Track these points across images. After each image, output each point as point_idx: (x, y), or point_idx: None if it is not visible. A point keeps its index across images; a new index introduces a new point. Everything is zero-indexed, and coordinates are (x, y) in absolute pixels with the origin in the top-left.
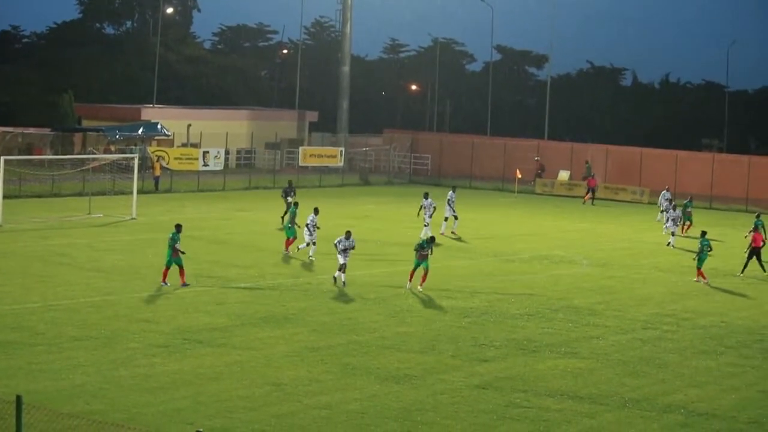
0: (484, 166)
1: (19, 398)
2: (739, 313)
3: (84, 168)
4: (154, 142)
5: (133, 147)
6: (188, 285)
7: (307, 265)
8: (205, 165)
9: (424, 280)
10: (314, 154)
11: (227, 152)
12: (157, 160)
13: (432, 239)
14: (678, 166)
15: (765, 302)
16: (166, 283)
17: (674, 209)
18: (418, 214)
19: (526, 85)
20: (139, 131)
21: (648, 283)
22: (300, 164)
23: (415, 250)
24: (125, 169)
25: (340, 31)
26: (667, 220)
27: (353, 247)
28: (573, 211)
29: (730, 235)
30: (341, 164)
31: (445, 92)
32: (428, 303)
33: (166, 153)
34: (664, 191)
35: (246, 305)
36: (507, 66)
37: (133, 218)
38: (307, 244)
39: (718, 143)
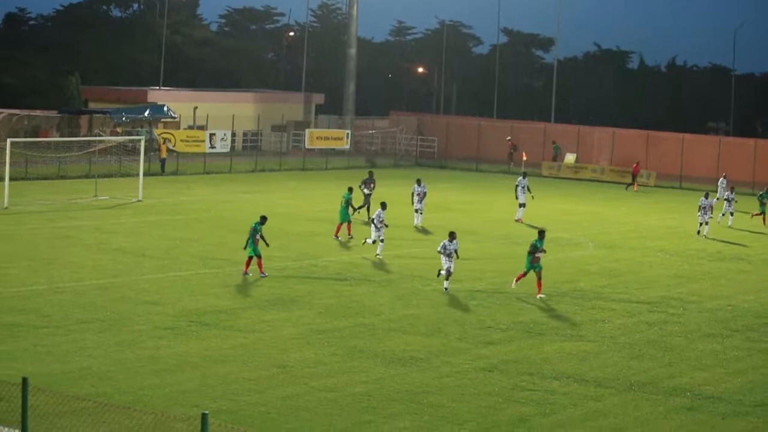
0: (490, 149)
1: (24, 380)
2: (746, 297)
3: (90, 150)
4: (160, 125)
5: (140, 129)
6: (266, 275)
7: (314, 248)
8: (212, 147)
9: (539, 285)
10: (321, 137)
11: (233, 134)
12: (164, 143)
13: (542, 234)
14: (684, 149)
15: None
16: (248, 273)
17: (706, 197)
18: (412, 201)
19: (533, 68)
20: (146, 113)
21: (654, 266)
22: (306, 147)
23: (528, 252)
24: (131, 151)
25: (347, 14)
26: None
27: (455, 250)
28: (579, 194)
29: (737, 219)
30: (347, 147)
31: (452, 75)
32: (434, 286)
33: (173, 135)
34: (721, 178)
35: (252, 288)
36: (514, 49)
37: (139, 200)
38: (374, 241)
39: (725, 126)
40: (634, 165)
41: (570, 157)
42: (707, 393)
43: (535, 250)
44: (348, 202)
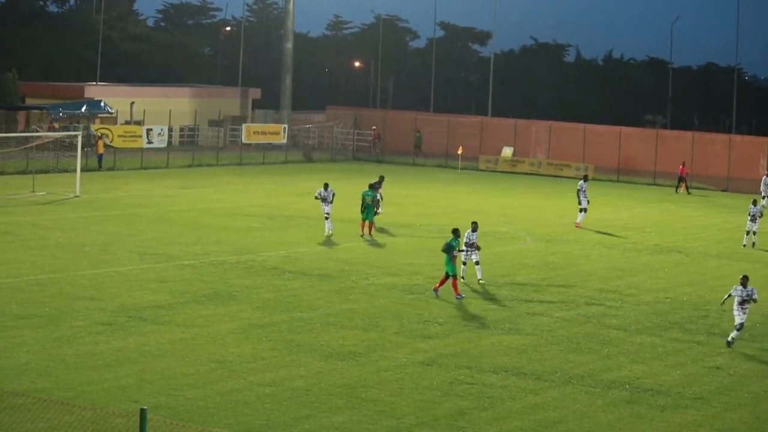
0: (427, 143)
1: None
2: (684, 289)
3: (28, 146)
4: (97, 120)
5: (77, 125)
6: (462, 297)
7: (251, 242)
8: (149, 142)
9: None
10: (258, 132)
11: (170, 130)
12: (101, 138)
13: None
14: (621, 142)
15: (709, 278)
16: (437, 293)
17: (754, 204)
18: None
19: (470, 62)
20: (83, 109)
21: (592, 259)
22: (243, 141)
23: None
24: (69, 146)
25: (283, 8)
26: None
27: (753, 298)
28: (516, 188)
29: (674, 212)
30: (284, 141)
31: (389, 69)
32: (372, 280)
33: (110, 131)
34: (765, 177)
35: (189, 283)
36: (450, 42)
37: (76, 196)
38: (465, 262)
39: (662, 119)
40: (681, 166)
41: (507, 151)
42: (646, 386)
43: None
44: (374, 200)
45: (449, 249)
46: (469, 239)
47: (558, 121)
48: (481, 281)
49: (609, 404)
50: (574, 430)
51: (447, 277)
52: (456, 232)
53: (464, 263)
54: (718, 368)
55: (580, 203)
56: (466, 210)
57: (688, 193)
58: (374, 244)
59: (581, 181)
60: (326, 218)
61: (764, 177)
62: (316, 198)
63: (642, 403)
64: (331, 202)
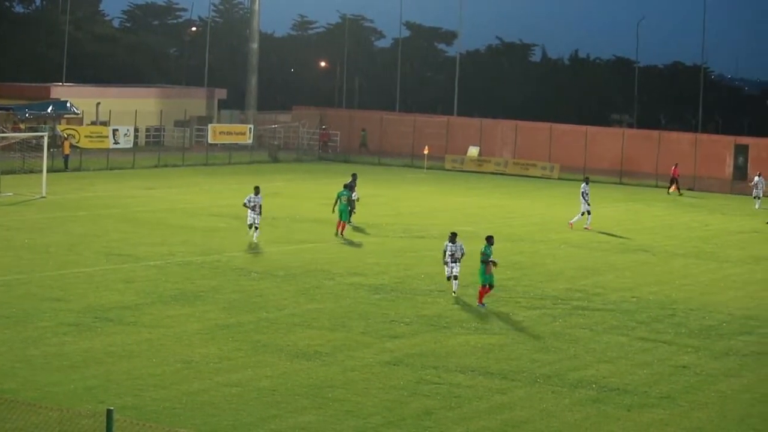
0: (393, 143)
1: None
2: (650, 288)
3: None
4: (63, 121)
5: (43, 125)
6: (484, 306)
7: (217, 242)
8: (115, 143)
9: None
10: (223, 132)
11: (136, 130)
12: (67, 139)
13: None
14: (588, 141)
15: (676, 277)
16: (483, 305)
17: None
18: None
19: (436, 62)
20: (49, 110)
21: (558, 258)
22: (209, 142)
23: None
24: (35, 147)
25: (249, 9)
26: None
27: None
28: (482, 187)
29: (641, 211)
30: (250, 141)
31: (354, 69)
32: (338, 280)
33: (76, 131)
34: (757, 177)
35: (156, 283)
36: (416, 42)
37: (42, 197)
38: (449, 278)
39: (628, 118)
40: (673, 167)
41: (473, 151)
42: (613, 385)
43: None
44: (349, 199)
45: (486, 258)
46: (449, 251)
47: (524, 121)
48: (454, 293)
49: (576, 403)
50: (541, 430)
51: (483, 286)
52: (489, 240)
53: (449, 278)
54: (684, 367)
55: (587, 206)
56: (433, 209)
57: (675, 194)
58: (341, 243)
59: (583, 184)
60: (251, 227)
61: (755, 177)
62: (244, 205)
63: (609, 403)
64: (260, 213)
